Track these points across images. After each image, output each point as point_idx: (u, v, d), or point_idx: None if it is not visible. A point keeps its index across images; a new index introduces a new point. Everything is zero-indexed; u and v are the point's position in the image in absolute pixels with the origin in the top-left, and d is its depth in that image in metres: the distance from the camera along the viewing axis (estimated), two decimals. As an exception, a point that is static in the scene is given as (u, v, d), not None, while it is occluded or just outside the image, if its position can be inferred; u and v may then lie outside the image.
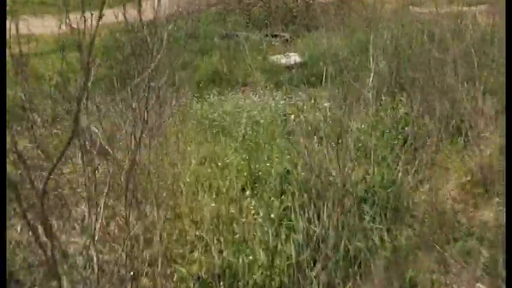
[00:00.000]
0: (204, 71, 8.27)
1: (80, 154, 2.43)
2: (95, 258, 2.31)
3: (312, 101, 5.24)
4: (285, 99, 5.50)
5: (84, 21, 2.06)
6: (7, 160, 1.72)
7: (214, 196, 3.29)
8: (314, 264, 2.67)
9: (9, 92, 2.09)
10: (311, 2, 11.97)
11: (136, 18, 2.88)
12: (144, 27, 2.94)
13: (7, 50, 1.90)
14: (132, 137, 3.07)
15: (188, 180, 3.51)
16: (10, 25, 1.96)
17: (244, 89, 7.92)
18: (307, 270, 2.62)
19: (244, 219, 2.95)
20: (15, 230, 2.76)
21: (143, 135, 2.95)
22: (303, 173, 3.06)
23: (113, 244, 2.63)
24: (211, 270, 2.67)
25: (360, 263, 2.66)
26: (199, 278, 2.66)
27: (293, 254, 2.66)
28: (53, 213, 2.80)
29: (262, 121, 4.17)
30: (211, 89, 7.53)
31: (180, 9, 11.51)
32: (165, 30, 2.90)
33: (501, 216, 2.77)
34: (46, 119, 4.05)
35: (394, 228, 2.91)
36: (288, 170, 3.20)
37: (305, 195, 2.89)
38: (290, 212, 2.91)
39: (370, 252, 2.67)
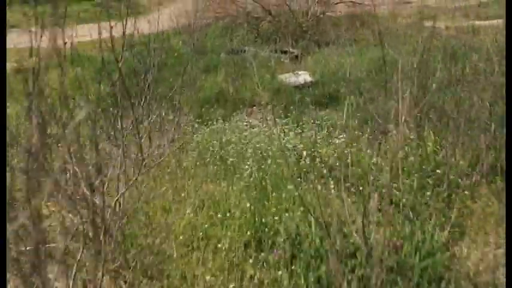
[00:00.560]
0: (208, 91, 7.79)
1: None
2: None
3: (325, 132, 4.70)
4: (295, 128, 4.96)
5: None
6: None
7: (211, 257, 2.74)
8: None
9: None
10: (321, 16, 11.48)
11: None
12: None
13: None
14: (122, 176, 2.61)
15: (182, 232, 2.98)
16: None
17: (251, 111, 7.43)
18: None
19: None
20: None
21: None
22: (317, 237, 2.49)
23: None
24: None
25: None
26: None
27: None
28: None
29: (269, 160, 3.62)
30: (215, 111, 7.04)
31: (188, 23, 11.11)
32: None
33: None
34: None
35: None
36: (298, 230, 2.63)
37: (322, 266, 2.33)
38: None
39: None
